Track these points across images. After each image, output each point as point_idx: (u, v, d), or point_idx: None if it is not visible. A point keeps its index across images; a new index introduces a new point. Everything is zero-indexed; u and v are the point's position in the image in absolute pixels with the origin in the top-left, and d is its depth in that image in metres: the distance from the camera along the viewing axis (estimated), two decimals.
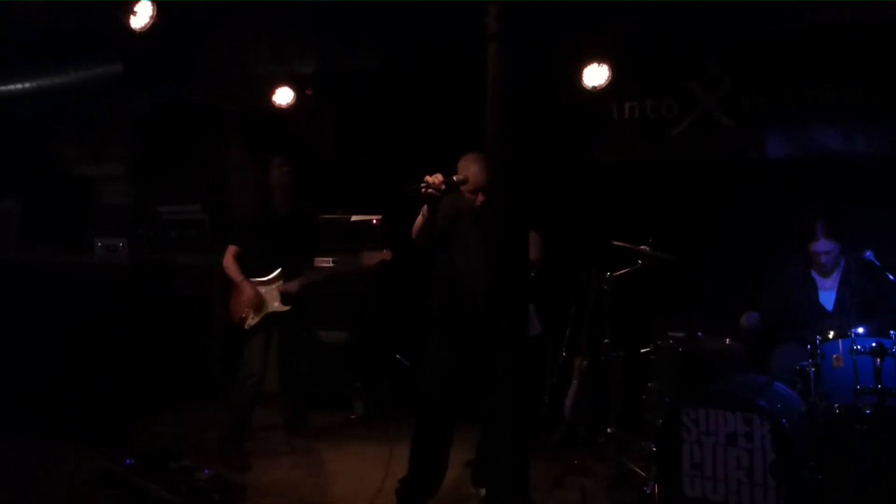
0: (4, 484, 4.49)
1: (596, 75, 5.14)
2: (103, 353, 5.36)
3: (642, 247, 4.56)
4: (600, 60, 5.11)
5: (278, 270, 4.93)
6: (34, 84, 6.19)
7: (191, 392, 5.99)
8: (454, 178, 3.70)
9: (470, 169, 3.75)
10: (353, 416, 5.82)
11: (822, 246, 4.35)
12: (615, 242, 4.62)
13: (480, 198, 3.76)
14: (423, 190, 3.63)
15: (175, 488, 4.09)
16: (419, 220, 3.82)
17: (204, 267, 6.12)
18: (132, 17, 4.66)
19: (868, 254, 4.13)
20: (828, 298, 4.44)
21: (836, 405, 3.78)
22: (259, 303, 4.87)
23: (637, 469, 4.38)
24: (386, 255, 4.81)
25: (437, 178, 3.62)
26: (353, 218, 5.83)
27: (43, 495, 4.35)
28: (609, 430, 4.75)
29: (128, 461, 4.32)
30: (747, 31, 5.04)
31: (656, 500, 3.84)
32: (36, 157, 7.13)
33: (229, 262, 4.97)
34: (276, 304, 4.91)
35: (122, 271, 5.83)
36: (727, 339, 4.40)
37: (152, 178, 7.03)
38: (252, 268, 4.96)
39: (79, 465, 4.63)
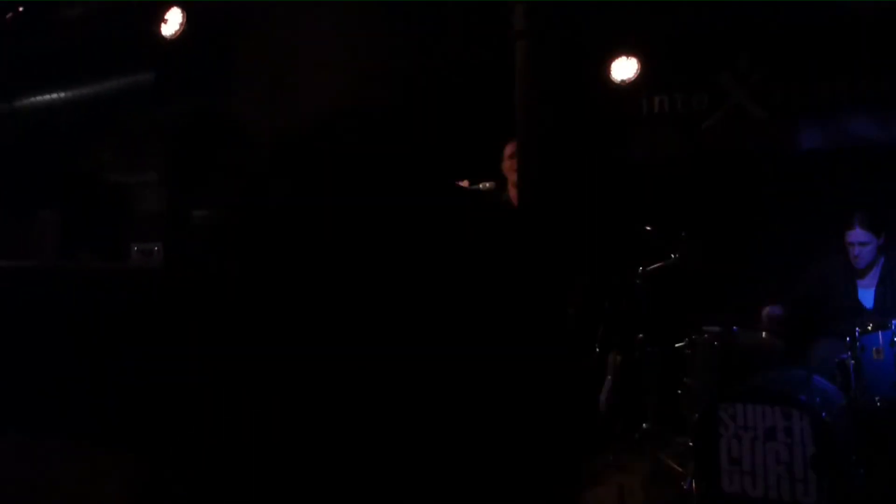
0: (49, 489, 4.58)
1: (625, 69, 5.11)
2: (142, 356, 5.45)
3: (675, 241, 4.53)
4: (629, 54, 5.08)
5: None
6: (70, 94, 6.32)
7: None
8: (481, 186, 3.67)
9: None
10: None
11: (857, 236, 4.24)
12: (648, 228, 4.57)
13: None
14: None
15: None
16: None
17: None
18: (163, 25, 4.75)
19: None
20: (867, 296, 4.35)
21: (877, 398, 3.71)
22: None
23: (674, 465, 4.34)
24: None
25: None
26: None
27: (87, 500, 4.43)
28: (645, 425, 4.72)
29: None
30: (778, 20, 4.99)
31: (694, 496, 3.80)
32: (73, 166, 7.26)
33: None
34: None
35: (158, 275, 5.92)
36: (763, 333, 4.34)
37: (186, 183, 7.11)
38: None
39: (118, 470, 4.70)
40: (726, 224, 5.13)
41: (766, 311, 4.37)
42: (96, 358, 5.42)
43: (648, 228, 4.62)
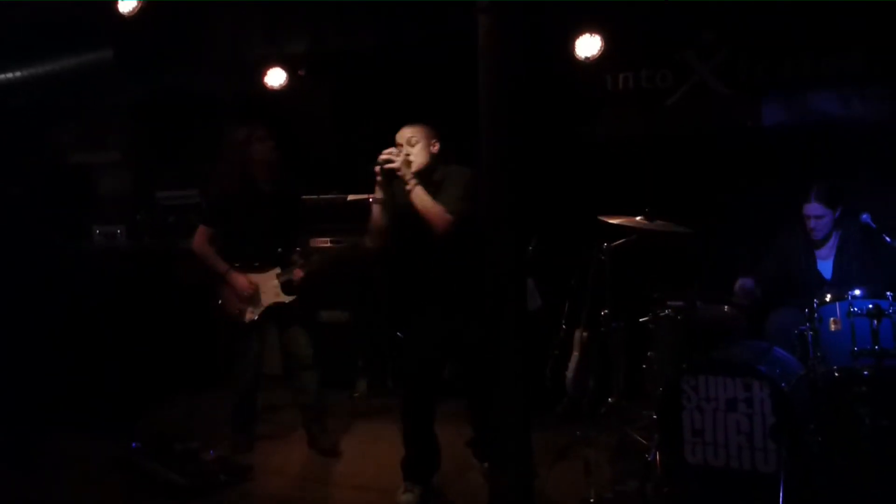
0: (14, 471, 4.54)
1: (588, 46, 5.12)
2: (107, 340, 5.40)
3: (638, 217, 4.56)
4: (593, 31, 5.08)
5: (274, 261, 4.60)
6: (27, 73, 6.18)
7: (198, 378, 6.00)
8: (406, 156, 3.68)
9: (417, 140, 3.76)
10: (357, 395, 5.85)
11: (812, 209, 4.31)
12: (603, 218, 4.58)
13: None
14: (381, 167, 3.63)
15: (182, 470, 4.15)
16: (375, 212, 3.78)
17: None
18: (120, 1, 4.66)
19: (865, 216, 4.12)
20: (826, 267, 4.42)
21: (835, 368, 3.79)
22: (255, 296, 4.54)
23: (639, 438, 4.40)
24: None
25: (392, 153, 3.63)
26: (350, 197, 5.82)
27: (55, 482, 4.39)
28: (611, 400, 4.77)
29: (134, 444, 4.37)
30: None
31: (658, 467, 3.87)
32: (32, 146, 7.12)
33: (202, 246, 4.54)
34: (276, 295, 4.58)
35: (122, 257, 5.86)
36: (726, 307, 4.40)
37: (149, 164, 7.02)
38: (237, 254, 4.57)
39: (89, 453, 4.67)
40: (690, 200, 5.18)
41: (739, 283, 4.43)
42: (59, 343, 5.36)
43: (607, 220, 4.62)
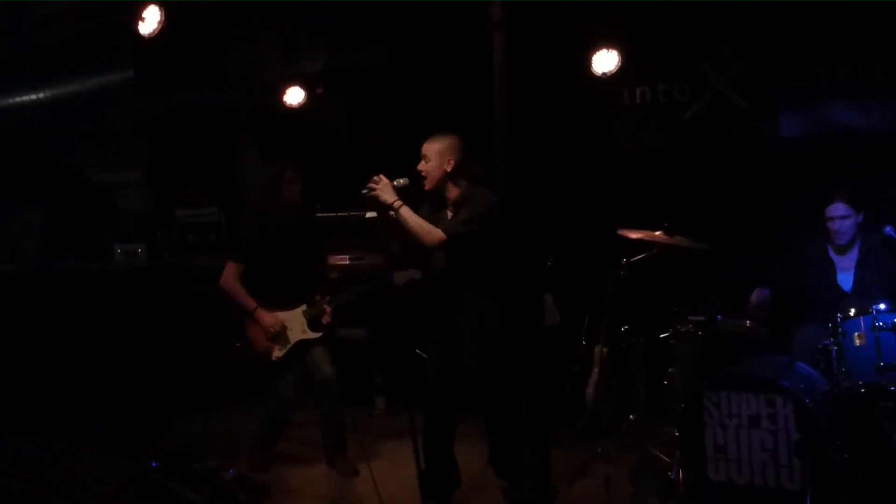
0: (35, 489, 4.56)
1: (605, 61, 5.10)
2: (127, 357, 5.43)
3: (657, 232, 4.52)
4: (609, 46, 5.07)
5: (301, 298, 4.57)
6: (49, 93, 6.27)
7: (216, 394, 6.02)
8: (396, 182, 3.65)
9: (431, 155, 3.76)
10: (375, 412, 5.84)
11: (837, 210, 4.25)
12: (623, 233, 4.57)
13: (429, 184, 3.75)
14: (366, 193, 3.61)
15: (201, 489, 4.14)
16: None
17: (222, 270, 6.16)
18: (141, 23, 4.72)
19: (888, 229, 4.05)
20: (846, 279, 4.34)
21: (860, 383, 3.71)
22: (282, 333, 4.50)
23: (661, 455, 4.35)
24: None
25: (379, 180, 3.61)
26: (368, 215, 5.81)
27: (73, 499, 4.40)
28: (632, 416, 4.74)
29: (153, 463, 4.38)
30: (758, 8, 4.99)
31: (681, 485, 3.82)
32: (54, 166, 7.21)
33: (231, 282, 4.51)
34: (304, 332, 4.52)
35: (143, 276, 5.90)
36: (747, 322, 4.35)
37: (169, 182, 7.08)
38: (265, 291, 4.53)
39: (107, 469, 4.69)
40: (709, 212, 5.14)
41: (755, 294, 4.39)
42: (81, 360, 5.40)
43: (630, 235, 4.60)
